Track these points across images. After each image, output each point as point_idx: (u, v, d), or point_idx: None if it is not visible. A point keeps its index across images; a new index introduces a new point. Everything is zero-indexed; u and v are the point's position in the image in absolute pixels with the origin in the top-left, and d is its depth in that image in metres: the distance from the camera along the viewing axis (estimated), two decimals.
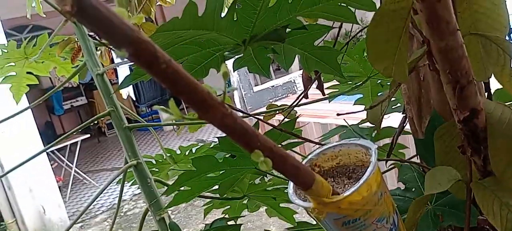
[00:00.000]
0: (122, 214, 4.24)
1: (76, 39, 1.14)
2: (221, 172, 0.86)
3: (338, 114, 0.57)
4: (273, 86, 4.32)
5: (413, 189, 0.79)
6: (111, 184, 1.20)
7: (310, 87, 0.93)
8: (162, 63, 0.26)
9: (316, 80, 0.95)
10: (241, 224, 0.79)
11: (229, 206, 1.32)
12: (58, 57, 1.26)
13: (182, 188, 0.89)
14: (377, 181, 0.38)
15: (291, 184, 0.39)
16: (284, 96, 4.41)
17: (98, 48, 1.18)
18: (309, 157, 0.44)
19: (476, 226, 0.72)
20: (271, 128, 0.75)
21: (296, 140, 0.75)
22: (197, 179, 0.83)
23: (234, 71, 0.82)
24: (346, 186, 0.41)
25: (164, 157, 1.47)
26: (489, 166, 0.48)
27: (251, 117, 0.90)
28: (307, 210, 0.39)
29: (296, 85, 4.53)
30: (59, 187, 4.55)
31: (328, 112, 3.23)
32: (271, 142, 0.33)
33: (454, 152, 0.55)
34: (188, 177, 0.80)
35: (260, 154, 0.31)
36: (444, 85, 0.43)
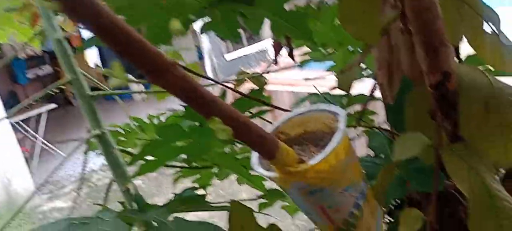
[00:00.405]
0: (91, 184, 4.18)
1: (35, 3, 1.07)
2: (188, 141, 0.83)
3: (306, 79, 0.55)
4: (246, 55, 4.26)
5: (383, 155, 0.79)
6: (79, 155, 1.15)
7: (279, 53, 0.91)
8: (106, 18, 0.23)
9: (287, 47, 0.93)
10: (206, 195, 0.77)
11: (198, 175, 1.30)
12: (17, 23, 1.19)
13: (148, 158, 0.86)
14: (345, 148, 0.37)
15: (254, 153, 0.37)
16: (256, 64, 4.37)
17: (58, 13, 1.11)
18: (276, 124, 0.42)
19: (443, 190, 0.73)
20: (240, 96, 0.73)
21: (266, 108, 0.73)
22: (163, 148, 0.80)
23: (201, 33, 0.78)
24: (313, 153, 0.39)
25: (132, 126, 1.42)
26: (459, 131, 0.47)
27: (221, 85, 0.87)
28: (271, 179, 0.37)
29: (268, 54, 4.47)
30: (26, 158, 4.42)
31: (300, 81, 3.22)
32: (234, 110, 0.30)
33: (424, 117, 0.54)
34: (154, 147, 0.77)
35: (218, 121, 0.28)
36: (417, 48, 0.41)
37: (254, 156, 0.39)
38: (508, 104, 0.43)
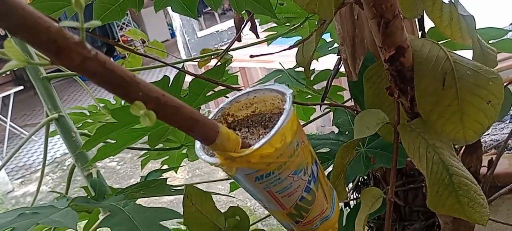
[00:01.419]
0: (65, 167, 4.09)
1: None
2: None
3: (251, 56, 0.52)
4: (218, 31, 4.17)
5: (347, 133, 0.78)
6: (51, 138, 1.11)
7: (242, 30, 0.87)
8: None
9: (250, 22, 0.89)
10: (167, 178, 0.74)
11: (167, 157, 1.27)
12: None
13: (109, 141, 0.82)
14: (292, 130, 0.34)
15: None
16: (229, 41, 4.29)
17: None
18: (221, 105, 0.39)
19: (405, 166, 0.72)
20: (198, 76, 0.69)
21: (223, 88, 0.70)
22: (121, 131, 0.76)
23: (156, 11, 0.75)
24: (261, 136, 0.37)
25: (98, 108, 1.37)
26: (416, 107, 0.46)
27: (172, 66, 0.83)
28: (216, 166, 0.34)
29: (242, 30, 4.37)
30: None
31: (274, 57, 3.18)
32: (158, 91, 0.27)
33: (383, 94, 0.52)
34: (109, 129, 0.73)
35: (140, 106, 0.25)
36: (369, 21, 0.39)
37: (198, 141, 0.36)
38: (465, 78, 0.41)
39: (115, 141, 0.80)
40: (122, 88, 0.25)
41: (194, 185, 0.60)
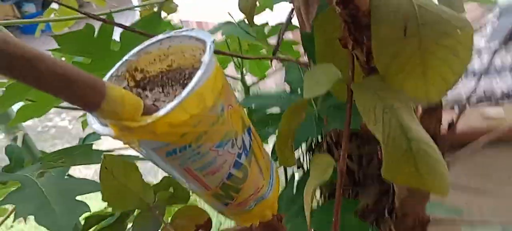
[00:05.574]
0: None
1: None
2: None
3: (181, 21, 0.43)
4: None
5: (299, 91, 0.71)
6: None
7: None
8: None
9: None
10: (93, 144, 0.65)
11: None
12: None
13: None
14: (215, 90, 0.26)
15: None
16: None
17: None
18: (125, 57, 0.30)
19: (361, 127, 0.66)
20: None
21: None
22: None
23: None
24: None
25: None
26: (373, 61, 0.39)
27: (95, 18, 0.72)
28: (112, 138, 0.26)
29: None
30: None
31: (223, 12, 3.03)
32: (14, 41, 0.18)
33: (336, 46, 0.45)
34: (22, 88, 0.62)
35: None
36: None
37: None
38: (429, 25, 0.34)
39: (35, 101, 0.70)
40: None
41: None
